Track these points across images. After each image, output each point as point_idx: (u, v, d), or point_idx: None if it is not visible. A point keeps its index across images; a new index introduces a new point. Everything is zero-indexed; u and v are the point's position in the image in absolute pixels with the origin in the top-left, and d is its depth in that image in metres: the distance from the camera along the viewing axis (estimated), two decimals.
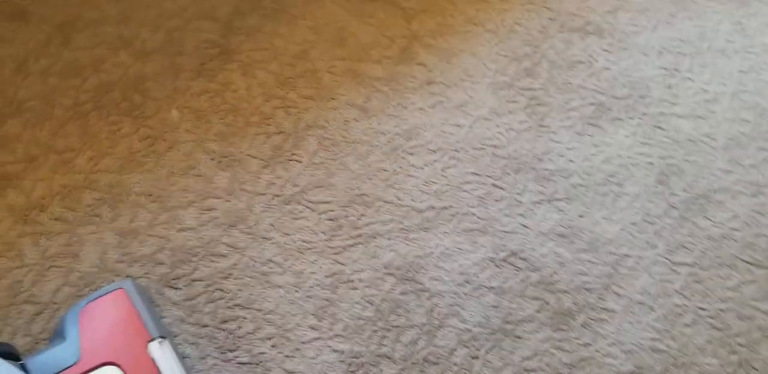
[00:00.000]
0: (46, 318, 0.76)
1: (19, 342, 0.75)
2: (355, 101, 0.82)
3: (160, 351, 0.73)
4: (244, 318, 0.74)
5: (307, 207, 0.76)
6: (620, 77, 0.88)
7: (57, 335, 0.74)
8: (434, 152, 0.81)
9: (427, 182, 0.79)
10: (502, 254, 0.74)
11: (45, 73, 0.90)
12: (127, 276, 0.77)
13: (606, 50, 0.90)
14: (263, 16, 0.90)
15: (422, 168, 0.80)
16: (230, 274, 0.76)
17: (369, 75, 0.84)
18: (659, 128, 0.85)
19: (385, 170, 0.78)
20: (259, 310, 0.73)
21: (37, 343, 0.74)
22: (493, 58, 0.88)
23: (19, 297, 0.77)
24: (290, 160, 0.80)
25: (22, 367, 0.71)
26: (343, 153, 0.80)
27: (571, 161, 0.80)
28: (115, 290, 0.75)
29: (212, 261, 0.76)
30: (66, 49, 0.90)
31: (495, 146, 0.82)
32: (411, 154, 0.79)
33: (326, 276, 0.73)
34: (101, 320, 0.74)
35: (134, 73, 0.88)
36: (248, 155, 0.81)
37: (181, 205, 0.80)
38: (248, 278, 0.75)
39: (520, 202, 0.77)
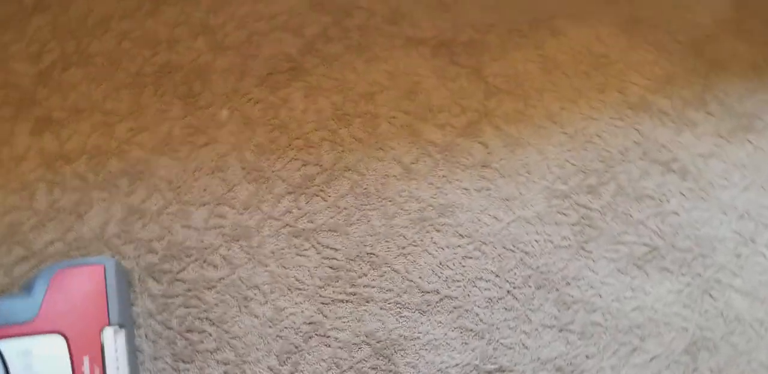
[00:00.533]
0: (30, 265, 0.81)
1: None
2: (403, 158, 0.84)
3: (112, 339, 0.75)
4: (210, 335, 0.75)
5: (314, 247, 0.78)
6: (687, 227, 0.86)
7: (25, 287, 0.78)
8: (462, 237, 0.82)
9: (442, 265, 0.81)
10: (490, 367, 0.74)
11: (123, 35, 0.92)
12: (114, 255, 0.82)
13: (683, 194, 0.88)
14: (347, 46, 0.92)
15: (443, 249, 0.81)
16: (214, 286, 0.78)
17: (426, 137, 0.88)
18: (710, 295, 0.82)
19: (405, 237, 0.79)
20: (227, 332, 0.75)
21: (12, 286, 0.78)
22: (560, 163, 0.88)
23: (14, 237, 0.82)
24: (316, 195, 0.81)
25: None
26: (371, 206, 0.81)
27: (600, 296, 0.79)
28: (95, 264, 0.78)
29: (202, 267, 0.78)
30: (151, 18, 0.93)
31: (526, 253, 0.82)
32: (437, 231, 0.80)
33: (305, 323, 0.74)
34: (70, 289, 0.76)
35: (204, 62, 0.90)
36: (277, 176, 0.83)
37: (195, 202, 0.82)
38: (229, 297, 0.77)
39: (530, 319, 0.76)
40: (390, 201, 0.83)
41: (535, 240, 0.83)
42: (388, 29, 0.95)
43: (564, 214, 0.86)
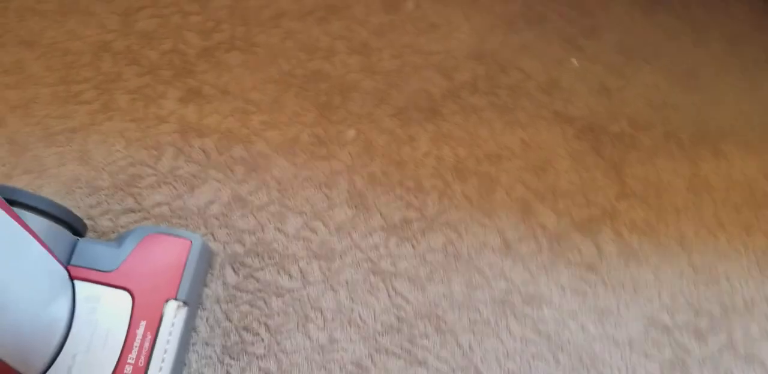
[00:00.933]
0: (134, 219, 0.90)
1: (101, 222, 0.90)
2: (507, 232, 0.87)
3: (173, 313, 0.80)
4: (262, 340, 0.80)
5: (387, 291, 0.82)
6: None
7: (118, 239, 0.84)
8: (539, 334, 0.80)
9: (508, 356, 0.80)
10: None
11: (289, 34, 0.99)
12: (206, 235, 0.89)
13: None
14: (491, 103, 0.95)
15: (515, 339, 0.80)
16: (282, 295, 0.83)
17: (539, 219, 0.88)
18: None
19: (480, 313, 0.81)
20: (278, 343, 0.80)
21: (111, 233, 0.88)
22: (673, 293, 0.84)
23: (131, 188, 0.92)
24: (408, 240, 0.85)
25: (73, 244, 0.81)
26: (457, 270, 0.84)
27: None
28: (185, 238, 0.83)
29: (278, 273, 0.83)
30: (318, 26, 0.99)
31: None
32: (516, 318, 0.81)
33: (352, 362, 0.78)
34: (154, 254, 0.82)
35: (351, 79, 0.95)
36: (378, 210, 0.87)
37: (294, 210, 0.91)
38: (292, 310, 0.81)
39: None
40: (478, 272, 0.85)
41: (618, 366, 0.80)
42: (538, 97, 0.97)
43: (658, 348, 0.82)
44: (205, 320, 0.86)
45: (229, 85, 1.00)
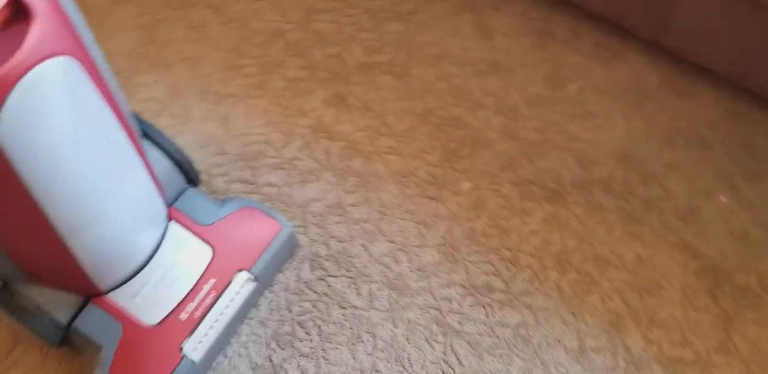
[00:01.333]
0: (244, 190, 0.97)
1: (215, 182, 0.97)
2: (587, 338, 0.87)
3: (240, 283, 0.83)
4: (310, 341, 0.83)
5: (444, 346, 0.86)
6: None
7: (223, 201, 0.90)
8: None
9: None
10: None
11: (445, 76, 1.10)
12: (298, 226, 0.93)
13: None
14: (619, 207, 0.97)
15: None
16: (345, 308, 0.85)
17: (625, 339, 0.87)
18: None
19: None
20: (323, 350, 0.84)
21: (219, 194, 0.95)
22: None
23: (252, 162, 1.00)
24: (483, 306, 0.89)
25: (183, 190, 0.87)
26: (521, 354, 0.85)
27: None
28: (278, 222, 0.87)
29: (349, 287, 0.89)
30: (476, 79, 1.10)
31: None
32: None
33: None
34: (246, 226, 0.87)
35: (487, 136, 1.04)
36: (465, 266, 0.93)
37: (386, 235, 0.94)
38: (348, 326, 0.84)
39: None
40: (542, 364, 0.84)
41: None
42: (672, 220, 0.96)
43: None
44: (268, 301, 0.89)
45: (373, 103, 1.05)
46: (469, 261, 0.92)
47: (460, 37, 1.10)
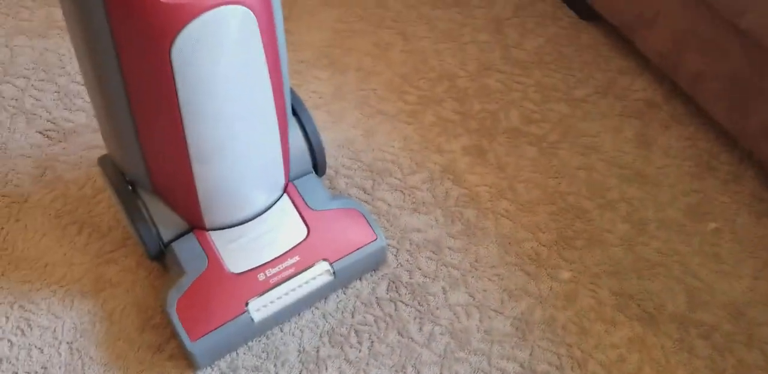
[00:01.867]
0: (358, 196, 1.02)
1: (338, 180, 1.03)
2: None
3: (316, 270, 0.88)
4: (359, 351, 0.91)
5: None
6: None
7: (335, 197, 0.96)
8: None
9: None
10: None
11: (589, 170, 1.07)
12: (391, 247, 0.98)
13: None
14: (711, 359, 0.92)
15: None
16: (402, 336, 0.93)
17: None
18: None
19: None
20: (367, 364, 0.87)
21: (335, 191, 1.01)
22: None
23: (377, 176, 1.05)
24: None
25: (306, 173, 0.94)
26: None
27: None
28: (376, 234, 0.92)
29: (414, 320, 0.92)
30: (620, 181, 1.00)
31: None
32: None
33: None
34: (347, 225, 0.92)
35: (605, 238, 1.05)
36: (531, 348, 0.91)
37: (468, 288, 0.95)
38: (398, 354, 0.91)
39: None
40: None
41: None
42: None
43: None
44: (338, 300, 0.93)
45: (509, 166, 1.07)
46: (538, 345, 0.92)
47: (618, 138, 1.12)
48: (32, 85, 1.16)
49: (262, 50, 0.71)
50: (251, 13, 0.66)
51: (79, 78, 1.16)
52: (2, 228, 1.00)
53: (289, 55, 1.21)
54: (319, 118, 1.11)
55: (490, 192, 1.06)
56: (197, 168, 0.77)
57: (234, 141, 0.77)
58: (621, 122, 1.16)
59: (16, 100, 1.14)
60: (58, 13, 1.26)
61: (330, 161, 1.06)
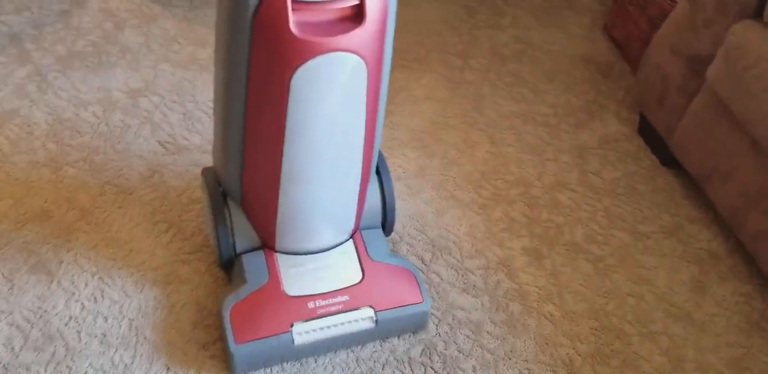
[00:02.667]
0: (414, 263, 1.12)
1: (400, 245, 1.12)
2: None
3: (361, 314, 0.94)
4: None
5: None
6: None
7: (395, 254, 1.08)
8: None
9: None
10: None
11: (639, 299, 1.06)
12: (434, 318, 1.03)
13: None
14: None
15: None
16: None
17: None
18: None
19: None
20: None
21: (395, 250, 1.11)
22: None
23: (438, 252, 1.14)
24: None
25: (375, 227, 1.04)
26: None
27: None
28: (423, 295, 0.99)
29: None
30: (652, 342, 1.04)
31: None
32: None
33: None
34: (399, 281, 0.99)
35: (635, 358, 0.96)
36: None
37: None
38: None
39: None
40: None
41: None
42: None
43: None
44: (373, 350, 0.99)
45: (562, 275, 1.19)
46: None
47: (674, 278, 1.21)
48: (165, 103, 1.34)
49: (365, 97, 0.84)
50: (363, 64, 0.79)
51: (205, 107, 1.34)
52: (105, 210, 1.16)
53: (386, 132, 1.39)
54: (398, 188, 1.24)
55: (539, 294, 1.12)
56: (283, 188, 0.88)
57: (320, 170, 0.88)
58: (679, 264, 1.22)
59: (149, 112, 1.32)
60: (201, 53, 1.47)
61: (398, 227, 1.17)
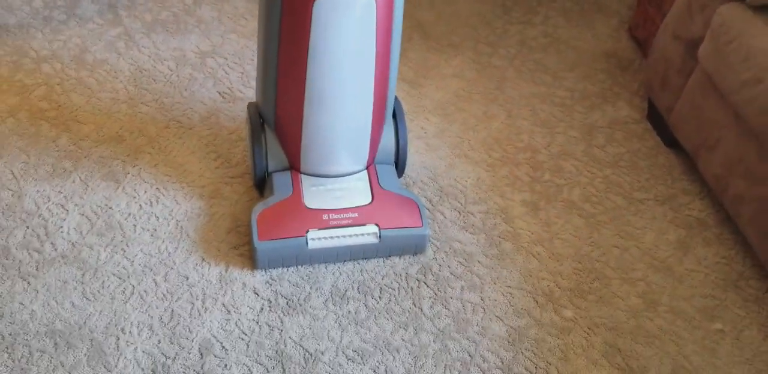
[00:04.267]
0: (427, 206, 1.30)
1: (413, 187, 1.29)
2: None
3: (366, 229, 1.13)
4: (376, 303, 1.09)
5: None
6: None
7: (405, 188, 1.27)
8: None
9: None
10: None
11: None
12: (432, 245, 1.21)
13: None
14: None
15: None
16: (415, 305, 1.12)
17: None
18: None
19: None
20: (375, 318, 1.09)
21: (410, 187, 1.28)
22: None
23: (449, 201, 1.32)
24: None
25: (390, 163, 1.23)
26: None
27: None
28: (423, 222, 1.16)
29: (430, 302, 1.13)
30: None
31: None
32: None
33: None
34: (403, 207, 1.17)
35: None
36: None
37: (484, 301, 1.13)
38: (399, 317, 1.06)
39: None
40: None
41: None
42: None
43: None
44: (376, 263, 1.16)
45: (553, 224, 1.33)
46: (522, 352, 1.07)
47: (661, 238, 1.31)
48: (227, 64, 1.58)
49: (375, 32, 1.02)
50: (374, 1, 0.98)
51: None
52: (168, 140, 1.40)
53: (413, 101, 1.57)
54: (417, 145, 1.42)
55: (530, 237, 1.27)
56: (306, 111, 1.08)
57: (337, 95, 1.07)
58: (668, 227, 1.35)
59: (213, 69, 1.57)
60: None
61: (412, 174, 1.35)
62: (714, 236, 1.32)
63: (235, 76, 1.55)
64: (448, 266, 1.19)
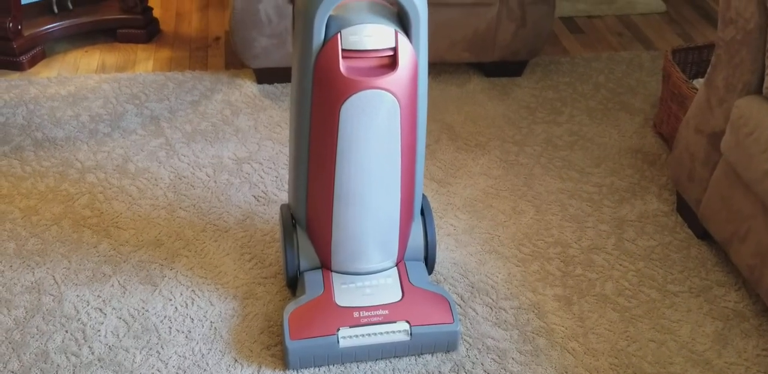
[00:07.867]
0: (458, 302, 1.33)
1: (444, 283, 1.35)
2: None
3: (397, 327, 1.17)
4: None
5: None
6: None
7: (436, 284, 1.30)
8: None
9: None
10: None
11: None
12: (464, 342, 1.23)
13: None
14: None
15: None
16: None
17: None
18: None
19: None
20: None
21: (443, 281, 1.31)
22: None
23: (474, 303, 1.33)
24: None
25: (419, 260, 1.29)
26: None
27: None
28: (454, 319, 1.19)
29: None
30: None
31: None
32: None
33: None
34: (434, 304, 1.21)
35: None
36: None
37: None
38: None
39: None
40: None
41: None
42: None
43: None
44: (408, 363, 1.19)
45: (587, 319, 1.35)
46: None
47: (697, 331, 1.32)
48: (263, 169, 1.69)
49: (399, 131, 1.09)
50: (397, 102, 1.06)
51: None
52: (204, 243, 1.48)
53: (441, 199, 1.65)
54: (447, 242, 1.48)
55: (564, 332, 1.30)
56: (336, 210, 1.14)
57: (365, 193, 1.13)
58: (704, 320, 1.36)
59: (249, 174, 1.67)
60: None
61: (443, 271, 1.40)
62: (753, 328, 1.33)
63: (269, 180, 1.65)
64: (482, 364, 1.21)
